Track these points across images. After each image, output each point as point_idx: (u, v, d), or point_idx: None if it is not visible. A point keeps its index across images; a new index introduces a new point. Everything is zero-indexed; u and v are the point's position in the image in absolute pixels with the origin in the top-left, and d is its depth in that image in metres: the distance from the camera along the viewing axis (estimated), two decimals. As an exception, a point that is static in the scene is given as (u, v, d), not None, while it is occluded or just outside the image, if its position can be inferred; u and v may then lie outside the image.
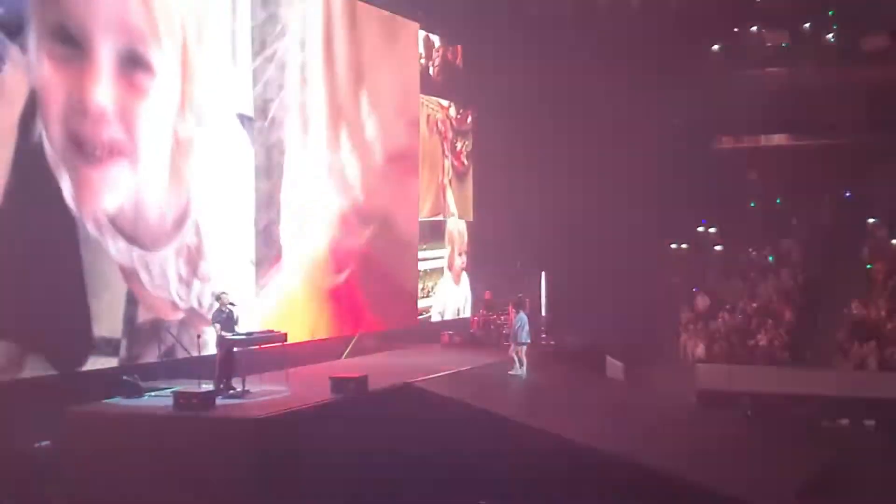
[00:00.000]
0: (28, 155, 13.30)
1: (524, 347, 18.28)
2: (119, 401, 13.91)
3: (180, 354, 15.76)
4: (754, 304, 28.05)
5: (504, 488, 14.33)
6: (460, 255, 25.52)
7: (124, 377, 14.31)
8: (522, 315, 18.39)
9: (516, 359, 18.22)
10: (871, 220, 30.17)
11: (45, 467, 13.46)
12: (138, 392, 14.16)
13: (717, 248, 30.93)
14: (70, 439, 13.22)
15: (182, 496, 12.43)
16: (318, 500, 13.19)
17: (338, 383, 14.80)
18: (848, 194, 31.97)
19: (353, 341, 19.96)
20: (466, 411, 15.23)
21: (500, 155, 25.82)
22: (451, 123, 25.23)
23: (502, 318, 21.72)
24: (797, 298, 28.00)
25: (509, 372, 18.14)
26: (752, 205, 32.85)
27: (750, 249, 30.44)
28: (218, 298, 14.66)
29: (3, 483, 12.94)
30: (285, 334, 15.78)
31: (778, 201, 32.35)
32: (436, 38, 24.46)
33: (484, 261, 25.93)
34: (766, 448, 17.10)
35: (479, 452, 14.58)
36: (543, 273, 22.25)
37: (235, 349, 14.44)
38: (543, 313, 22.17)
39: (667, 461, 14.26)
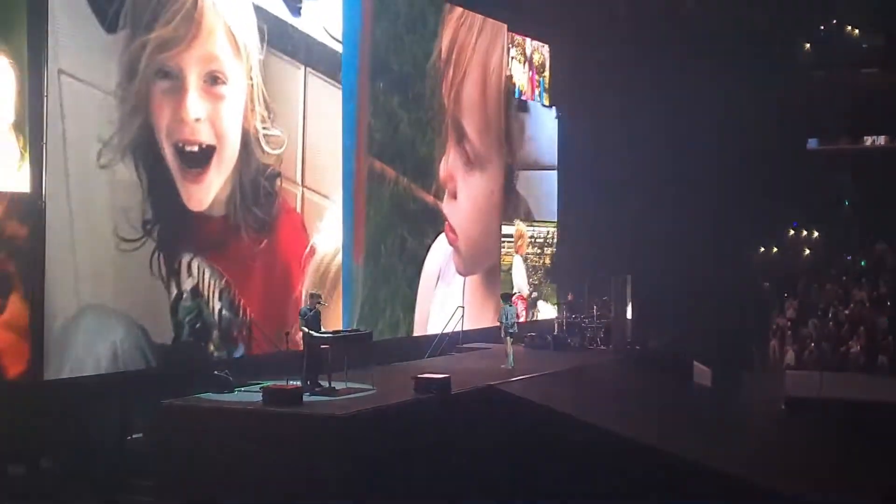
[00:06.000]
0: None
1: (510, 339, 18.12)
2: (210, 395, 14.21)
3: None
4: (846, 311, 27.45)
5: (584, 492, 14.31)
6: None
7: (215, 372, 14.64)
8: (510, 307, 18.32)
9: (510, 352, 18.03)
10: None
11: (137, 459, 13.89)
12: (229, 387, 14.46)
13: (808, 252, 30.37)
14: (163, 432, 13.58)
15: (270, 490, 12.68)
16: (402, 499, 13.35)
17: (421, 383, 14.94)
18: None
19: (436, 340, 20.13)
20: (548, 415, 15.23)
21: (586, 156, 25.71)
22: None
23: (586, 320, 21.67)
24: (891, 305, 27.32)
25: (501, 366, 17.86)
26: (847, 202, 32.18)
27: (844, 254, 29.81)
28: (310, 297, 14.89)
29: (96, 473, 13.37)
30: (371, 332, 16.02)
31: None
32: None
33: (569, 263, 25.85)
34: (855, 457, 16.76)
35: (559, 456, 14.58)
36: (629, 277, 22.09)
37: (322, 346, 14.67)
38: (629, 317, 22.02)
39: (751, 469, 14.09)
